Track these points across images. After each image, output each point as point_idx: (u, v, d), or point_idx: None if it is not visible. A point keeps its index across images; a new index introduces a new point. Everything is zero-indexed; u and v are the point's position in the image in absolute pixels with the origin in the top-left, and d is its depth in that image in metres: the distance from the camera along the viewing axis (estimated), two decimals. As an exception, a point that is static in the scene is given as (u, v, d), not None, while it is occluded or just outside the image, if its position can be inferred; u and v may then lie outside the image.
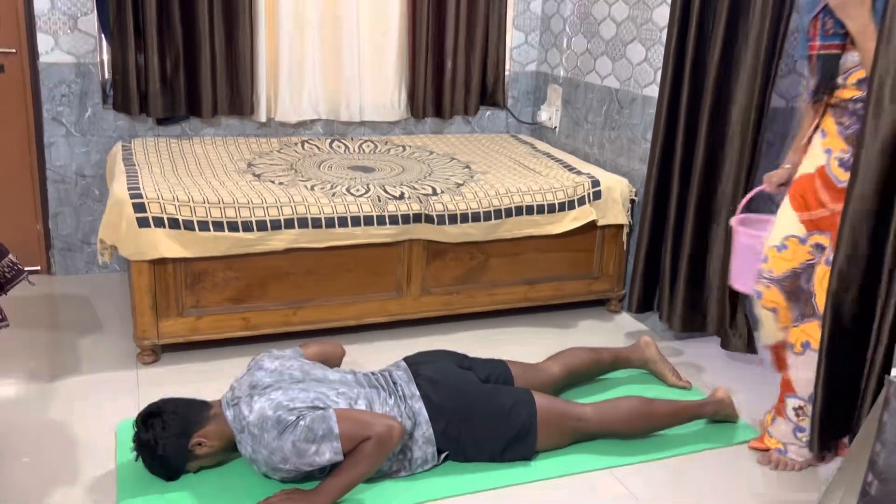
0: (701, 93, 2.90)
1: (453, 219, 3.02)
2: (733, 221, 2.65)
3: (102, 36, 3.44)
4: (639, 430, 2.48)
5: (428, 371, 2.44)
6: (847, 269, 2.09)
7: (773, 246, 2.34)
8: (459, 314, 3.24)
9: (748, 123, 2.80)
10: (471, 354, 2.63)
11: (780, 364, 2.50)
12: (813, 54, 2.27)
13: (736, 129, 2.83)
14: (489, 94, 4.03)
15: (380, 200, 2.94)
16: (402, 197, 2.98)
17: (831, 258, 2.18)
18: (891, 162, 2.00)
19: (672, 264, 3.05)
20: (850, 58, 2.13)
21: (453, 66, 3.87)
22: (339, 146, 3.68)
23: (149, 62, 3.39)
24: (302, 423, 2.07)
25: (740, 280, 2.68)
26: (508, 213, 3.10)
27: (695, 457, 2.43)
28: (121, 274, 3.57)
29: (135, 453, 2.21)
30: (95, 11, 3.38)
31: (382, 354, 2.80)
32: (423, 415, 2.30)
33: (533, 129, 4.17)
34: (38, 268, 3.61)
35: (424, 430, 2.28)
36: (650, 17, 3.24)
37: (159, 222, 2.69)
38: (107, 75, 3.51)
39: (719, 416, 2.61)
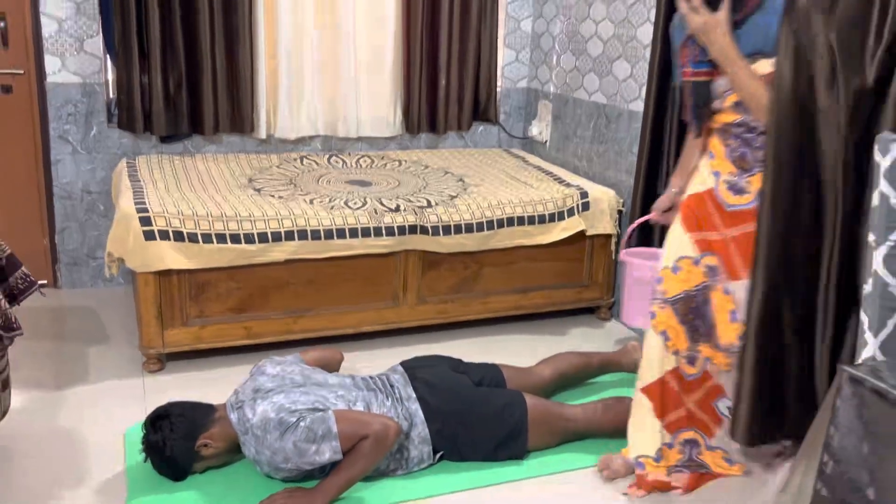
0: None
1: (447, 230, 3.06)
2: (622, 255, 2.65)
3: (107, 57, 3.48)
4: (625, 429, 2.48)
5: (424, 374, 2.49)
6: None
7: (667, 267, 2.29)
8: (454, 322, 3.27)
9: None
10: (465, 360, 2.67)
11: (665, 405, 2.36)
12: (685, 80, 2.26)
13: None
14: (481, 109, 4.07)
15: (376, 213, 2.99)
16: (398, 209, 3.03)
17: (729, 287, 2.20)
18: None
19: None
20: (721, 83, 2.13)
21: (447, 82, 3.90)
22: (336, 161, 3.70)
23: (152, 82, 3.44)
24: (302, 424, 2.12)
25: (634, 315, 2.71)
26: (501, 223, 3.14)
27: None
28: (125, 287, 3.61)
29: (144, 455, 2.25)
30: (101, 34, 3.43)
31: (380, 361, 2.83)
32: (420, 416, 2.34)
33: (524, 144, 4.22)
34: (45, 281, 3.56)
35: (420, 430, 2.33)
36: (634, 35, 3.31)
37: (165, 235, 2.74)
38: (111, 95, 3.53)
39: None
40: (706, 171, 2.24)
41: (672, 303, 2.26)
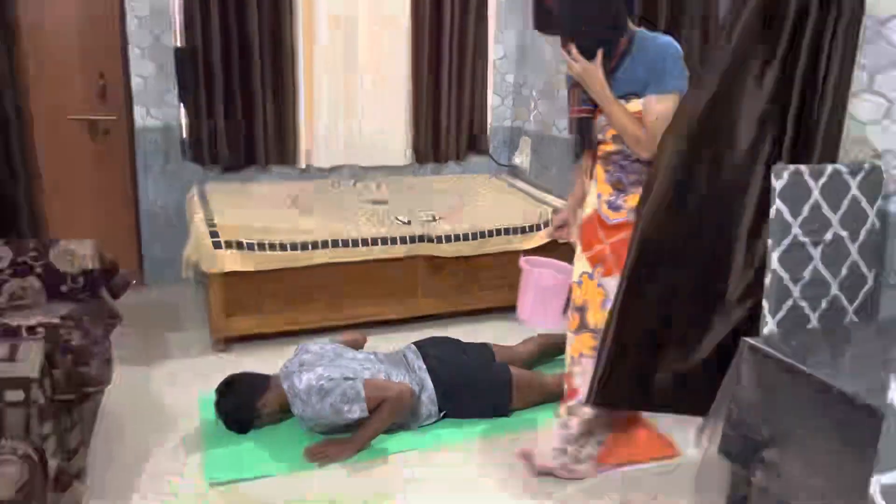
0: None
1: (448, 239, 3.12)
2: (522, 262, 2.57)
3: (181, 106, 3.52)
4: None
5: (432, 351, 2.56)
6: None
7: (574, 282, 2.23)
8: (454, 311, 3.30)
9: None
10: (463, 340, 2.74)
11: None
12: (572, 117, 2.20)
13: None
14: (475, 143, 4.10)
15: (392, 226, 3.07)
16: (409, 223, 3.10)
17: (602, 281, 2.13)
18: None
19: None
20: (602, 119, 2.06)
21: (447, 122, 3.94)
22: (361, 185, 3.74)
23: (216, 126, 3.49)
24: (338, 389, 2.19)
25: (533, 317, 2.57)
26: (491, 234, 3.20)
27: None
28: (196, 285, 3.56)
29: (216, 414, 2.33)
30: (177, 89, 3.49)
31: (395, 342, 2.87)
32: (429, 383, 2.43)
33: (509, 171, 4.25)
34: (134, 281, 3.71)
35: (429, 393, 2.42)
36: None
37: (229, 245, 2.81)
38: (185, 136, 3.58)
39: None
40: (592, 194, 2.18)
41: (579, 309, 2.20)
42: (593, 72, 1.94)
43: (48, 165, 3.37)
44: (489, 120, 4.17)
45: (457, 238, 3.17)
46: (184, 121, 3.56)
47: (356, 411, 2.21)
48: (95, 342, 2.16)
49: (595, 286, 2.16)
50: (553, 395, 2.54)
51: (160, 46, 3.47)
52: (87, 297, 2.34)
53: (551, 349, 2.87)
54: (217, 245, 2.82)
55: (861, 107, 2.13)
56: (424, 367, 2.49)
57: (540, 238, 3.31)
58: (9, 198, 3.28)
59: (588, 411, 2.16)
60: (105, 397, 2.44)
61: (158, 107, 3.55)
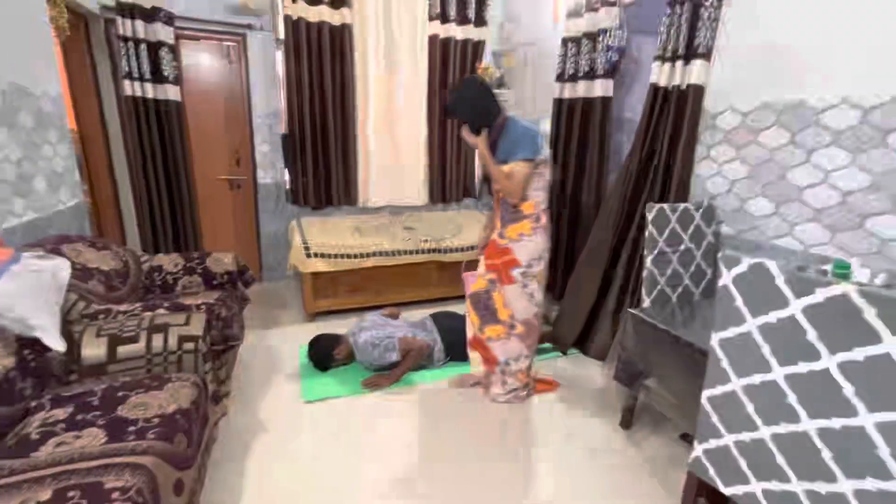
0: (565, 187, 3.04)
1: (451, 251, 3.20)
2: (463, 275, 2.31)
3: (286, 170, 3.57)
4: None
5: (441, 319, 2.63)
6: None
7: (482, 278, 2.13)
8: (453, 296, 3.34)
9: (593, 204, 2.82)
10: (459, 313, 2.76)
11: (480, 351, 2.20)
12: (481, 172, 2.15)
13: (585, 208, 2.89)
14: (467, 190, 4.14)
15: (416, 243, 3.15)
16: (427, 241, 3.18)
17: (502, 289, 2.02)
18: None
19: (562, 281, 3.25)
20: None
21: (449, 177, 4.00)
22: (398, 218, 3.79)
23: (308, 181, 3.57)
24: (382, 344, 2.27)
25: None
26: (475, 248, 3.24)
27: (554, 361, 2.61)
28: (296, 281, 3.68)
29: (307, 358, 2.42)
30: (283, 159, 3.55)
31: (418, 314, 2.88)
32: (439, 339, 2.49)
33: (488, 209, 4.26)
34: (256, 279, 3.81)
35: (440, 346, 2.48)
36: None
37: (315, 255, 2.90)
38: (287, 187, 3.60)
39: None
40: (497, 226, 2.09)
41: (486, 308, 2.11)
42: (479, 143, 1.94)
43: (203, 207, 3.49)
44: (476, 176, 4.19)
45: (456, 250, 3.24)
46: (287, 178, 3.62)
47: (392, 356, 2.29)
48: (234, 315, 2.26)
49: (498, 293, 2.06)
50: None
51: (273, 133, 3.56)
52: (230, 288, 2.44)
53: None
54: (308, 255, 2.90)
55: (702, 168, 2.22)
56: (436, 329, 2.56)
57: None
58: (182, 227, 3.41)
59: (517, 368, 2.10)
60: (241, 348, 2.55)
61: (272, 170, 3.64)
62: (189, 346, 1.62)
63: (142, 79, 3.08)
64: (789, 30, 1.83)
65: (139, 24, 3.01)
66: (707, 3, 2.05)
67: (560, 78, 3.03)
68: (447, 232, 3.40)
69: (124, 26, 2.98)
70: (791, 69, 1.82)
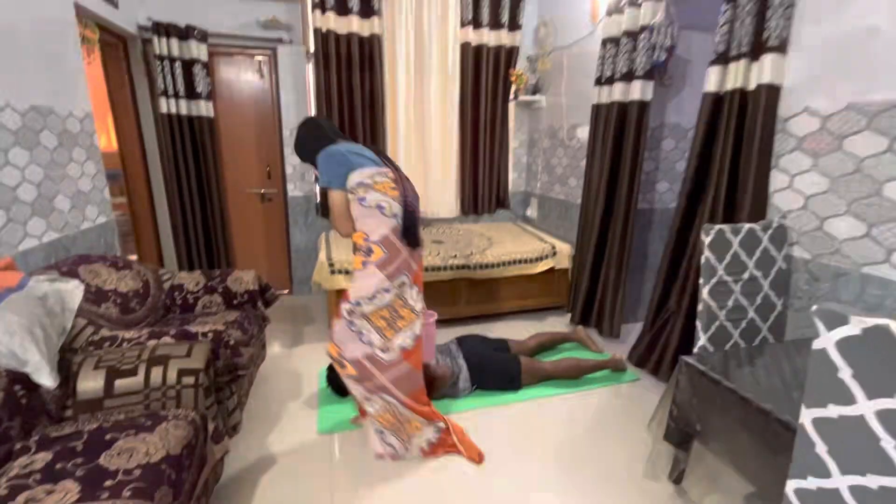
0: (597, 201, 2.77)
1: (481, 267, 2.99)
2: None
3: (316, 184, 3.47)
4: (573, 373, 2.39)
5: (467, 344, 2.42)
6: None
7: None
8: (485, 314, 3.17)
9: (627, 216, 2.62)
10: (489, 335, 2.60)
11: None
12: None
13: (618, 220, 2.66)
14: (501, 201, 3.95)
15: (444, 259, 2.96)
16: (455, 256, 2.98)
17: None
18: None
19: (577, 288, 2.95)
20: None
21: (482, 188, 3.82)
22: (427, 231, 3.64)
23: None
24: None
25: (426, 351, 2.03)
26: (509, 263, 3.05)
27: (602, 389, 2.35)
28: (322, 295, 3.57)
29: (326, 384, 2.28)
30: (313, 172, 3.45)
31: (445, 335, 2.77)
32: (464, 367, 2.28)
33: (523, 219, 4.09)
34: (287, 291, 3.71)
35: (465, 374, 2.27)
36: (579, 165, 3.21)
37: (339, 271, 2.76)
38: (317, 201, 3.53)
39: (617, 368, 2.46)
40: None
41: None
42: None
43: (235, 220, 3.46)
44: (510, 186, 4.01)
45: (486, 266, 3.02)
46: (317, 192, 3.55)
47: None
48: (252, 337, 2.13)
49: None
50: (547, 376, 2.37)
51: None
52: (249, 307, 2.33)
53: (546, 344, 2.68)
54: (332, 272, 2.77)
55: (770, 179, 1.87)
56: (462, 356, 2.34)
57: (542, 266, 3.13)
58: (214, 240, 3.37)
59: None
60: (262, 366, 2.46)
61: (301, 184, 3.56)
62: (189, 380, 1.48)
63: (176, 96, 3.07)
64: (889, 14, 1.47)
65: (174, 42, 3.00)
66: (777, -12, 1.71)
67: (598, 82, 2.75)
68: (478, 246, 3.19)
69: (160, 45, 2.97)
70: (890, 63, 1.47)
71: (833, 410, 0.80)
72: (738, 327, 1.63)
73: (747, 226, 1.64)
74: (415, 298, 1.75)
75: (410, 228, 1.70)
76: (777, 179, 1.83)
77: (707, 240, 1.59)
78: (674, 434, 1.36)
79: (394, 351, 1.70)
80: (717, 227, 1.60)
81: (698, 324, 1.61)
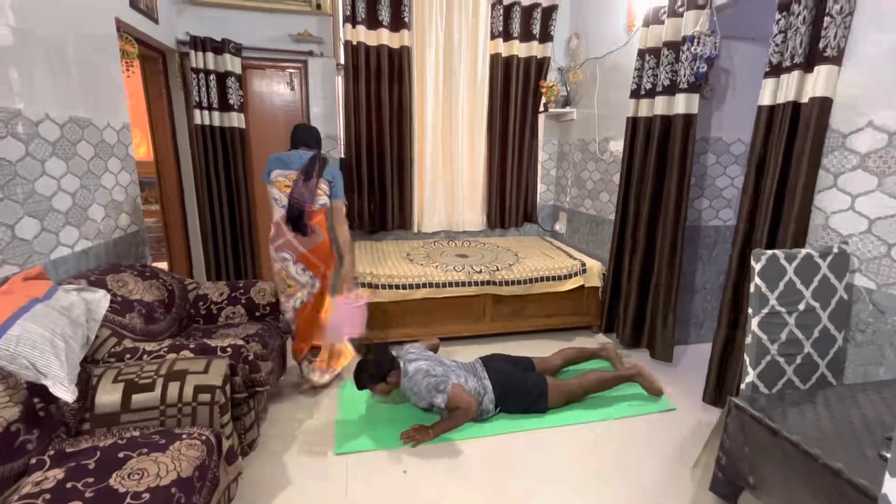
0: (639, 217, 2.65)
1: (507, 283, 2.88)
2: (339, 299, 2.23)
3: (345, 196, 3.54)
4: (600, 387, 2.25)
5: (493, 364, 2.32)
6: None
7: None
8: (510, 332, 3.05)
9: (675, 233, 2.45)
10: (514, 354, 2.45)
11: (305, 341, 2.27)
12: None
13: (665, 237, 2.48)
14: (528, 215, 3.87)
15: (469, 274, 2.87)
16: (480, 272, 2.88)
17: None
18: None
19: (625, 309, 2.83)
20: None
21: (510, 201, 3.74)
22: (451, 244, 3.58)
23: (363, 206, 3.45)
24: (434, 379, 1.99)
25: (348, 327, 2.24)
26: (537, 280, 2.94)
27: (633, 418, 2.20)
28: None
29: (352, 378, 2.14)
30: None
31: (469, 353, 2.68)
32: (490, 388, 2.19)
33: (551, 234, 3.99)
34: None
35: (490, 395, 2.17)
36: (612, 179, 3.09)
37: (362, 285, 2.70)
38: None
39: (645, 384, 2.28)
40: None
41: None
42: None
43: (262, 230, 3.46)
44: (538, 200, 3.92)
45: (513, 283, 2.91)
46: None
47: (439, 399, 1.99)
48: (272, 351, 2.10)
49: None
50: (574, 396, 2.25)
51: (330, 158, 3.47)
52: (271, 319, 2.30)
53: (572, 359, 2.56)
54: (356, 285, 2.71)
55: (826, 201, 1.71)
56: (487, 377, 2.24)
57: (571, 283, 3.00)
58: (241, 249, 3.39)
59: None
60: (282, 380, 2.41)
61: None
62: (205, 397, 1.44)
63: (210, 107, 3.13)
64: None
65: (210, 55, 3.06)
66: (837, -6, 1.57)
67: (635, 94, 2.63)
68: (504, 262, 3.09)
69: (196, 58, 3.03)
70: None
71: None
72: (793, 363, 1.47)
73: (803, 251, 1.49)
74: (300, 274, 2.21)
75: (292, 218, 2.12)
76: (836, 200, 1.66)
77: (757, 266, 1.44)
78: (721, 485, 1.21)
79: (288, 310, 2.25)
80: (769, 252, 1.45)
81: (746, 358, 1.46)
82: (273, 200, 2.16)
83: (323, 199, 2.19)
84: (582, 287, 3.05)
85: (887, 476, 0.73)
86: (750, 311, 1.46)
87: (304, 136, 2.29)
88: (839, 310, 1.52)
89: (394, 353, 2.17)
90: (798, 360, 1.48)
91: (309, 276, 2.21)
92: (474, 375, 2.23)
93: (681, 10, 2.29)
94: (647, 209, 2.60)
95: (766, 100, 1.80)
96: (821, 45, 1.63)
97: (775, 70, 1.76)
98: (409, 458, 1.91)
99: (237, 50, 3.12)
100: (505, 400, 2.19)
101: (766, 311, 1.44)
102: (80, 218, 1.98)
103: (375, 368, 2.04)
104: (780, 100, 1.75)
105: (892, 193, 1.51)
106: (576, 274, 3.03)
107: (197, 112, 3.10)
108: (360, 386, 2.05)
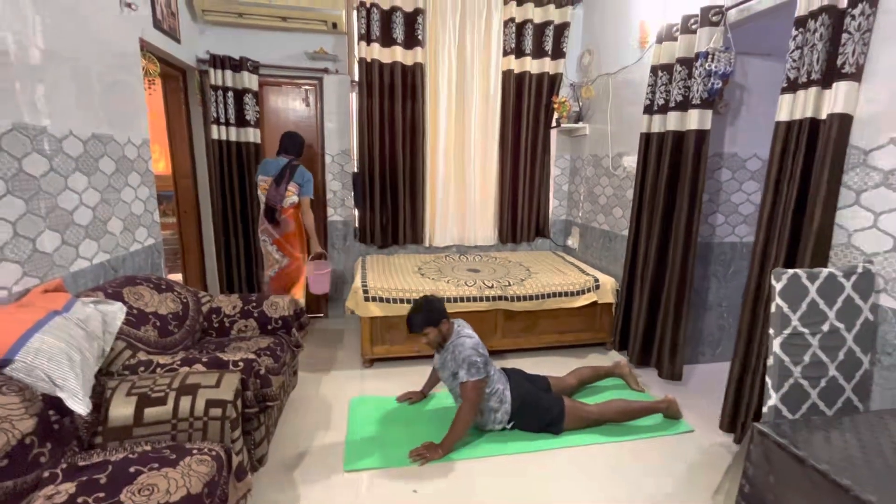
0: (651, 233, 2.62)
1: (519, 298, 2.85)
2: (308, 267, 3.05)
3: (356, 209, 3.51)
4: (622, 418, 2.20)
5: (514, 377, 2.25)
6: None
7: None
8: (522, 348, 3.01)
9: (686, 250, 2.42)
10: (529, 371, 2.40)
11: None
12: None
13: (676, 254, 2.45)
14: (540, 230, 3.84)
15: (480, 289, 2.85)
16: (492, 287, 2.85)
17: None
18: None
19: (636, 325, 2.77)
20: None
21: (521, 216, 3.72)
22: (463, 259, 3.57)
23: (375, 220, 3.46)
24: (476, 358, 1.98)
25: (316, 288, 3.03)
26: (549, 295, 2.90)
27: (652, 440, 2.15)
28: (355, 319, 3.46)
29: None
30: (353, 197, 3.49)
31: None
32: (509, 398, 2.13)
33: (564, 249, 3.95)
34: (323, 314, 3.70)
35: (507, 406, 2.12)
36: (625, 195, 3.08)
37: (373, 299, 2.71)
38: (356, 226, 3.54)
39: (668, 413, 2.25)
40: None
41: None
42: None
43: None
44: (550, 215, 3.90)
45: (525, 298, 2.88)
46: (357, 216, 3.56)
47: (464, 373, 1.96)
48: (284, 365, 2.10)
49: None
50: (594, 422, 2.18)
51: (343, 173, 3.52)
52: (283, 333, 2.30)
53: (587, 380, 2.52)
54: (366, 299, 2.72)
55: (848, 219, 1.67)
56: (509, 385, 2.18)
57: (584, 300, 2.96)
58: (253, 263, 3.42)
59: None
60: (293, 393, 2.41)
61: (341, 208, 3.58)
62: (216, 411, 1.44)
63: (227, 123, 3.19)
64: None
65: (228, 73, 3.14)
66: (855, 12, 1.56)
67: (648, 110, 2.62)
68: (515, 277, 3.07)
69: (215, 76, 3.11)
70: None
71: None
72: (817, 386, 1.42)
73: (826, 270, 1.45)
74: (275, 253, 3.00)
75: (267, 213, 2.92)
76: (859, 217, 1.62)
77: (778, 286, 1.41)
78: (745, 515, 1.17)
79: (265, 278, 3.07)
80: (791, 271, 1.42)
81: (768, 381, 1.42)
82: (259, 196, 2.94)
83: (292, 199, 2.89)
84: (595, 303, 3.01)
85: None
86: (771, 331, 1.42)
87: (287, 143, 2.94)
88: (865, 331, 1.47)
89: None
90: (822, 384, 1.43)
91: (280, 255, 2.99)
92: (503, 382, 2.18)
93: (694, 27, 2.29)
94: (659, 225, 2.57)
95: (783, 115, 1.78)
96: (839, 62, 1.61)
97: (792, 86, 1.75)
98: (419, 477, 1.88)
99: (255, 68, 3.19)
100: (521, 415, 2.15)
101: (788, 331, 1.40)
102: (99, 231, 2.02)
103: (434, 311, 2.05)
104: (798, 115, 1.73)
105: (917, 211, 1.47)
106: (589, 290, 2.99)
107: (214, 127, 3.17)
108: (413, 327, 2.06)
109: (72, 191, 1.85)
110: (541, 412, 2.15)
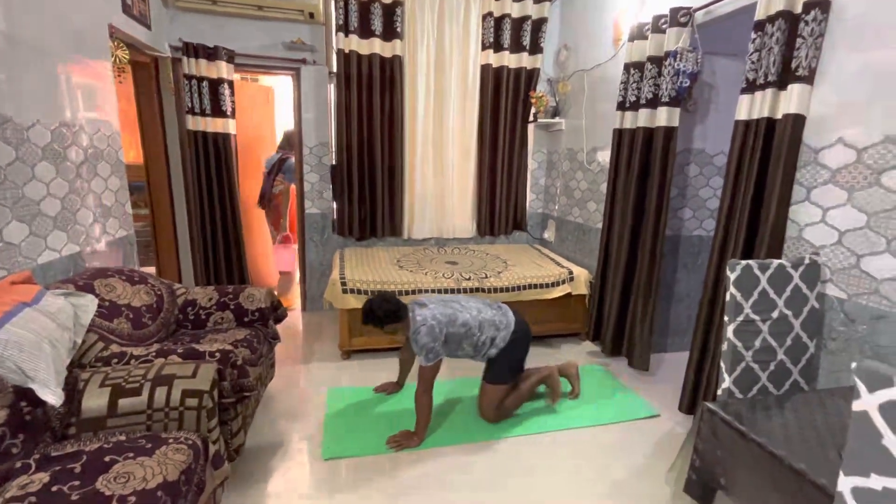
0: (623, 226, 2.70)
1: (496, 290, 2.91)
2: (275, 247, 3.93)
3: (334, 202, 3.51)
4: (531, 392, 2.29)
5: (522, 326, 2.20)
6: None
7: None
8: None
9: (654, 243, 2.51)
10: None
11: None
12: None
13: (645, 247, 2.55)
14: (518, 223, 3.90)
15: (458, 280, 2.89)
16: (469, 279, 2.91)
17: None
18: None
19: (608, 316, 2.86)
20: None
21: (499, 209, 3.77)
22: (441, 251, 3.61)
23: (353, 213, 3.47)
24: (432, 344, 1.96)
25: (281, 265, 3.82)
26: (525, 287, 2.96)
27: (615, 424, 2.22)
28: (334, 312, 3.38)
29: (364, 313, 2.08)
30: (330, 190, 3.49)
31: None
32: (512, 322, 2.15)
33: (540, 242, 4.01)
34: (300, 308, 3.74)
35: (505, 334, 2.12)
36: (599, 189, 3.15)
37: (351, 291, 2.73)
38: (334, 218, 3.53)
39: (562, 372, 2.41)
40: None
41: None
42: None
43: (250, 235, 3.48)
44: (527, 208, 3.96)
45: (502, 290, 2.95)
46: (335, 208, 3.55)
47: (422, 360, 1.97)
48: (261, 356, 2.11)
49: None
50: (524, 400, 2.27)
51: (321, 165, 3.51)
52: (260, 325, 2.31)
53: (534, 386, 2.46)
54: (345, 291, 2.74)
55: (799, 214, 1.79)
56: (514, 320, 2.15)
57: (559, 291, 3.03)
58: (229, 254, 3.39)
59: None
60: (269, 385, 2.43)
61: (319, 201, 3.57)
62: (192, 402, 1.46)
63: (203, 113, 3.15)
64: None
65: (202, 62, 3.09)
66: (808, 17, 1.65)
67: (621, 106, 2.70)
68: (493, 269, 3.13)
69: (189, 65, 3.06)
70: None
71: (876, 481, 0.72)
72: (767, 370, 1.53)
73: (776, 262, 1.55)
74: (269, 226, 3.85)
75: (261, 197, 3.78)
76: (809, 212, 1.74)
77: (732, 276, 1.50)
78: (695, 487, 1.26)
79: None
80: (744, 262, 1.52)
81: (722, 365, 1.52)
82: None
83: (279, 187, 3.74)
84: (569, 295, 3.09)
85: (841, 475, 0.78)
86: (726, 318, 1.51)
87: (283, 142, 3.80)
88: (811, 318, 1.58)
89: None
90: (772, 367, 1.53)
91: (272, 229, 3.96)
92: (498, 309, 2.17)
93: (664, 26, 2.38)
94: (630, 218, 2.66)
95: (742, 115, 1.88)
96: (793, 65, 1.71)
97: (751, 87, 1.84)
98: (398, 463, 1.94)
99: (230, 57, 3.15)
100: (507, 350, 2.12)
101: (740, 319, 1.50)
102: (68, 222, 1.99)
103: (388, 314, 2.03)
104: (756, 115, 1.83)
105: (860, 207, 1.58)
106: (563, 282, 3.07)
107: (189, 117, 3.13)
108: (367, 320, 2.04)
109: (39, 181, 1.82)
110: (519, 356, 2.18)
